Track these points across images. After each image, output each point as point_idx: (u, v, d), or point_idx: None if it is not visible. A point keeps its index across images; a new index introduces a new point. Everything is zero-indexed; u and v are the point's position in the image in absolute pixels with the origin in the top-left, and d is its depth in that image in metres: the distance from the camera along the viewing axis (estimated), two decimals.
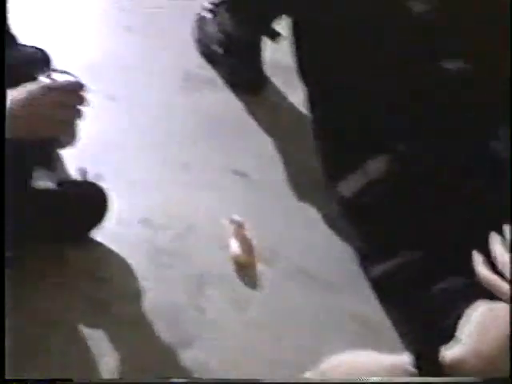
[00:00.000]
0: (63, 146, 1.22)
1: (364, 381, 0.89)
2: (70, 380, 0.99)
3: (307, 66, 1.36)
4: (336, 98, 1.31)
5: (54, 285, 1.28)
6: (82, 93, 1.15)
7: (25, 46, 1.56)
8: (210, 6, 1.85)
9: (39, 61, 1.62)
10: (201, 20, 1.85)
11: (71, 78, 1.18)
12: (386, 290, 1.26)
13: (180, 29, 1.90)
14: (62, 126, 1.13)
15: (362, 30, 1.27)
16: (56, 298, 1.26)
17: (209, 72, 1.79)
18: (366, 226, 1.30)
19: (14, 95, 1.10)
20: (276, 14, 1.50)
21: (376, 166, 1.27)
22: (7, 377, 0.90)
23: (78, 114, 1.14)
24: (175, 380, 1.14)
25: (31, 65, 1.60)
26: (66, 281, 1.29)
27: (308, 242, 1.41)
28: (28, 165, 1.18)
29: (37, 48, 1.63)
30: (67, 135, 1.17)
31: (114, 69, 1.76)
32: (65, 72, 1.19)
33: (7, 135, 1.07)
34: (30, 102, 1.08)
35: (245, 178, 1.53)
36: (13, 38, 1.46)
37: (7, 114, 1.08)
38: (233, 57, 1.71)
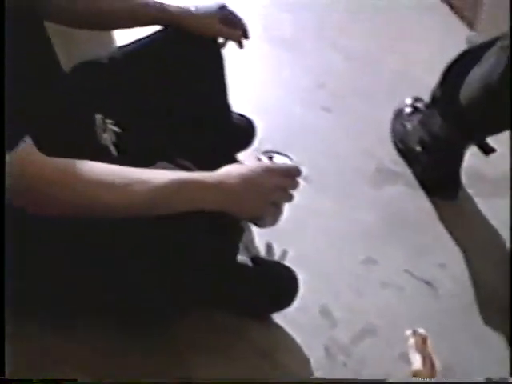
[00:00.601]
0: (264, 225, 1.22)
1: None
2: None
3: None
4: None
5: (227, 358, 1.26)
6: (297, 178, 1.16)
7: (235, 113, 1.62)
8: (412, 102, 1.84)
9: (247, 130, 1.67)
10: (401, 114, 1.84)
11: (290, 162, 1.20)
12: None
13: (378, 116, 1.90)
14: (272, 208, 1.13)
15: None
16: (228, 372, 1.24)
17: (402, 167, 1.77)
18: None
19: (234, 169, 1.12)
20: (499, 130, 1.45)
21: None
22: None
23: (290, 198, 1.14)
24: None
25: (240, 133, 1.65)
26: (241, 356, 1.27)
27: (488, 369, 1.32)
28: (235, 238, 1.19)
29: (244, 117, 1.69)
30: (273, 217, 1.18)
31: (307, 147, 1.78)
32: (284, 155, 1.21)
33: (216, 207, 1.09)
34: (249, 180, 1.10)
35: (429, 286, 1.47)
36: (228, 106, 1.51)
37: (223, 185, 1.10)
38: (432, 158, 1.67)
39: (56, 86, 1.22)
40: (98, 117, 1.30)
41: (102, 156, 1.28)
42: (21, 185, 0.95)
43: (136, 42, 1.42)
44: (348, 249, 1.53)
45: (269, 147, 1.70)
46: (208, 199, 1.05)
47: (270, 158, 1.19)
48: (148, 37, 1.41)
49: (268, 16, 2.28)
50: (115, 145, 1.31)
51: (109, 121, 1.32)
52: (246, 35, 1.50)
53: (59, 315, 1.19)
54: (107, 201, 1.00)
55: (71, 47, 1.43)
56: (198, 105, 1.42)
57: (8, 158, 0.92)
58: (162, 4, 1.39)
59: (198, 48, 1.40)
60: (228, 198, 1.07)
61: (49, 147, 1.00)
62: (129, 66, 1.39)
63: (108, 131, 1.31)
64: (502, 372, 1.31)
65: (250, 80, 1.97)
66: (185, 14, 1.40)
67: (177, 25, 1.38)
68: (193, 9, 1.41)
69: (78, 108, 1.25)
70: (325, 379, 1.22)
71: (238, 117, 1.65)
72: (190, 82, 1.40)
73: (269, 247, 1.45)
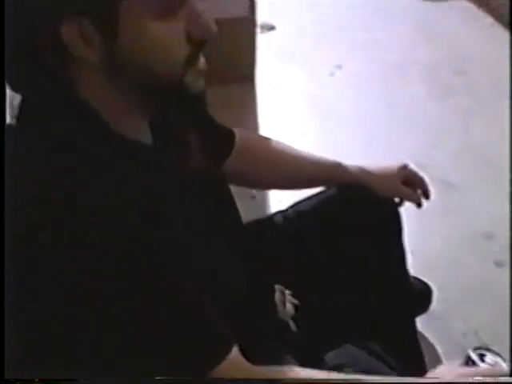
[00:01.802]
0: None
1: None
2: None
3: None
4: None
5: None
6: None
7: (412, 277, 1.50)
8: None
9: (424, 295, 1.55)
10: None
11: (503, 364, 1.06)
12: None
13: None
14: None
15: None
16: None
17: None
18: None
19: (446, 375, 0.99)
20: None
21: None
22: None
23: None
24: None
25: (418, 299, 1.53)
26: None
27: None
28: None
29: (420, 280, 1.57)
30: None
31: (484, 311, 1.63)
32: (496, 353, 1.08)
33: None
34: None
35: None
36: (407, 271, 1.40)
37: None
38: None
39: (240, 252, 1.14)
40: (278, 287, 1.21)
41: (282, 334, 1.19)
42: None
43: (308, 199, 1.34)
44: None
45: (442, 308, 1.59)
46: None
47: (482, 355, 1.06)
48: (320, 195, 1.34)
49: (423, 154, 2.18)
50: (294, 320, 1.21)
51: (287, 291, 1.23)
52: (426, 195, 1.40)
53: None
54: None
55: None
56: (376, 271, 1.31)
57: (214, 369, 0.84)
58: (340, 164, 1.32)
59: (376, 209, 1.30)
60: None
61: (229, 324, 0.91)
62: (304, 228, 1.31)
63: (287, 304, 1.22)
64: None
65: (413, 229, 1.84)
66: (366, 174, 1.32)
67: (356, 185, 1.30)
68: (373, 169, 1.33)
69: (258, 278, 1.17)
70: None
71: (414, 280, 1.53)
72: (367, 245, 1.30)
73: None
